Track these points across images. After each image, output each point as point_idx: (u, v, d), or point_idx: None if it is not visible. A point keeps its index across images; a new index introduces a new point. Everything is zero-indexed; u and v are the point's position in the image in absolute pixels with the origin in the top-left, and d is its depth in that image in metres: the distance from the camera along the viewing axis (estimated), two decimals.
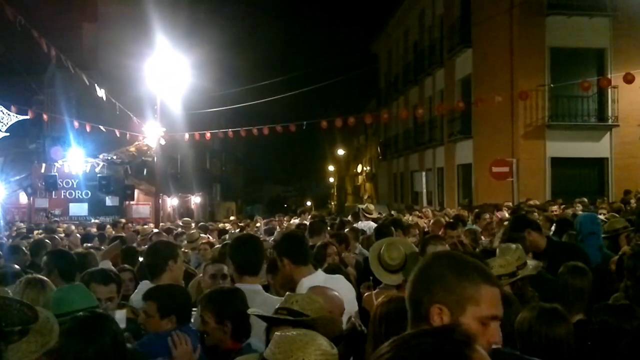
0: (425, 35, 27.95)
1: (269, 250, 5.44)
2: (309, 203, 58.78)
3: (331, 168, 61.78)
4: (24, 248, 6.91)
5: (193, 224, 13.24)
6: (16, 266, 5.03)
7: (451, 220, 8.07)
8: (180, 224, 13.38)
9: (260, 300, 3.54)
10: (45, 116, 19.07)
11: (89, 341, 2.41)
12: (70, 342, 2.40)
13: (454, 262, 1.70)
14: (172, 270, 3.95)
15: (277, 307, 2.75)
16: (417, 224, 9.41)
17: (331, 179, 63.47)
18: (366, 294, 4.22)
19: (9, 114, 17.34)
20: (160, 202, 21.44)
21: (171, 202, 31.82)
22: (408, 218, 11.49)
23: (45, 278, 3.65)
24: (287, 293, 2.88)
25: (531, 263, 4.10)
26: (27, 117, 18.04)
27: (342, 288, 3.78)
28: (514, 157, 18.66)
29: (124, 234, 9.62)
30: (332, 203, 60.81)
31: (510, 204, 13.51)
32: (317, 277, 3.79)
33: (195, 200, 37.15)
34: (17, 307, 1.87)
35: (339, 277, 4.08)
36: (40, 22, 14.10)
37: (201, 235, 9.14)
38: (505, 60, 19.25)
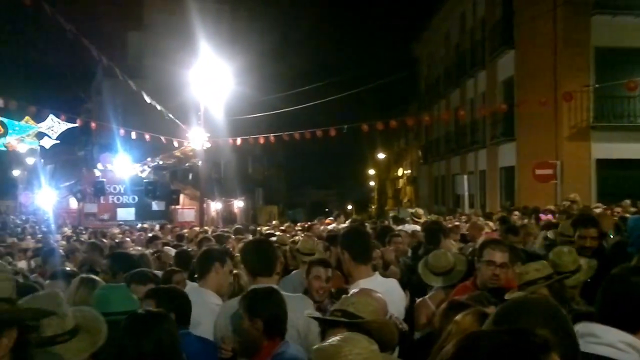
0: (467, 37, 27.68)
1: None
2: (349, 207, 58.80)
3: (372, 172, 61.63)
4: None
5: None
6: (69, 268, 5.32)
7: (512, 225, 7.99)
8: (226, 229, 13.64)
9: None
10: (93, 124, 19.71)
11: (148, 337, 2.58)
12: (130, 338, 2.57)
13: None
14: (218, 273, 4.04)
15: (332, 308, 2.79)
16: (458, 227, 9.40)
17: (372, 183, 63.28)
18: (420, 299, 4.29)
19: (59, 122, 17.98)
20: (204, 206, 21.89)
21: (215, 206, 32.37)
22: (451, 221, 11.46)
23: (97, 278, 3.86)
24: (344, 295, 2.92)
25: (586, 262, 4.12)
26: (77, 125, 18.70)
27: (395, 293, 3.86)
28: (558, 159, 18.28)
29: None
30: (373, 207, 60.62)
31: (552, 207, 13.27)
32: (375, 280, 3.82)
33: (238, 204, 37.69)
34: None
35: (393, 282, 4.12)
36: (88, 32, 14.61)
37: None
38: (548, 60, 18.90)
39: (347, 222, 14.52)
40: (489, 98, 24.13)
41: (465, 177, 21.64)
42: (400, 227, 9.63)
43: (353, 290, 3.35)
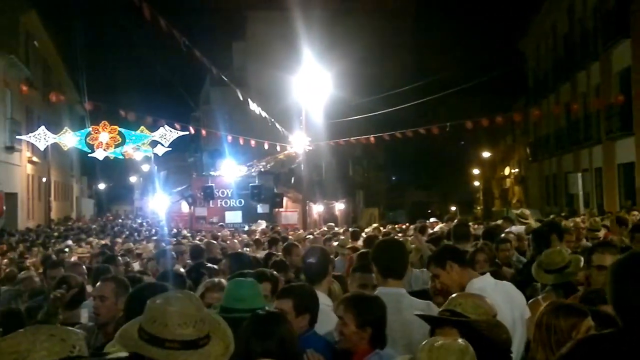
0: (576, 28, 26.16)
1: None
2: (453, 208, 57.39)
3: (476, 171, 59.84)
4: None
5: (340, 229, 13.57)
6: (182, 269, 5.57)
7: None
8: (325, 229, 13.76)
9: (407, 303, 3.55)
10: (203, 131, 20.61)
11: (271, 336, 2.65)
12: (253, 337, 2.64)
13: None
14: (329, 274, 4.20)
15: (440, 309, 2.76)
16: (576, 228, 8.83)
17: (476, 183, 61.43)
18: (532, 299, 4.13)
19: (171, 131, 18.97)
20: (307, 208, 22.23)
21: (317, 208, 32.80)
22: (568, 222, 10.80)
23: (224, 280, 4.02)
24: (451, 296, 2.86)
25: None
26: (187, 132, 19.64)
27: (513, 295, 3.74)
28: None
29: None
30: (478, 208, 58.82)
31: None
32: (487, 280, 3.74)
33: (339, 206, 37.94)
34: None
35: (509, 284, 3.97)
36: (197, 44, 15.31)
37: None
38: None
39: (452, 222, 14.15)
40: (603, 91, 22.66)
41: (579, 175, 20.47)
42: (508, 229, 9.24)
43: (469, 290, 3.30)
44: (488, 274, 3.89)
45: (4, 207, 16.22)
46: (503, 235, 7.51)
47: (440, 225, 12.72)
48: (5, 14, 24.49)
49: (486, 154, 53.23)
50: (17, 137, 24.13)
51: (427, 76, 25.37)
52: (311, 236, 11.36)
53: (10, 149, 25.51)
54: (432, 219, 15.68)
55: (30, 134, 20.40)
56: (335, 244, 8.84)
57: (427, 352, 2.09)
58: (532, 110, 28.22)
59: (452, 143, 50.26)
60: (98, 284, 4.03)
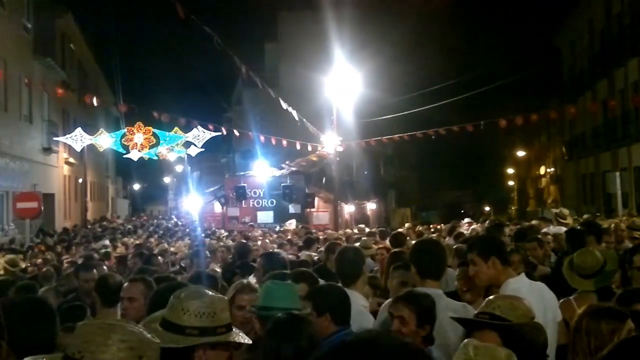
0: (614, 23, 25.52)
1: None
2: (487, 208, 56.62)
3: (510, 171, 58.91)
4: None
5: (367, 230, 13.50)
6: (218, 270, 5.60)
7: None
8: (356, 231, 13.72)
9: (444, 304, 3.52)
10: (235, 132, 20.73)
11: (289, 341, 2.63)
12: (272, 341, 2.64)
13: None
14: (364, 274, 4.23)
15: (477, 311, 2.74)
16: (616, 229, 8.57)
17: (510, 183, 60.46)
18: (563, 299, 4.02)
19: (204, 132, 19.15)
20: (338, 209, 22.20)
21: (348, 209, 32.72)
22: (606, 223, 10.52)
23: (253, 281, 4.03)
24: (487, 298, 2.82)
25: None
26: (220, 133, 19.80)
27: (546, 296, 3.68)
28: None
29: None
30: (513, 208, 57.89)
31: None
32: (523, 281, 3.69)
33: (371, 206, 37.77)
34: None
35: (542, 285, 3.89)
36: (228, 45, 15.41)
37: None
38: None
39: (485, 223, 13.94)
40: None
41: (617, 174, 19.94)
42: (545, 229, 9.04)
43: (504, 289, 3.27)
44: (523, 275, 3.83)
45: (42, 208, 16.57)
46: (538, 235, 7.35)
47: (475, 226, 12.54)
48: (42, 17, 25.08)
49: (521, 153, 52.39)
50: (54, 138, 24.70)
51: (459, 74, 25.05)
52: (342, 236, 11.30)
53: (48, 150, 26.11)
54: (466, 220, 15.46)
55: (67, 136, 20.85)
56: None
57: (471, 353, 2.07)
58: (568, 107, 27.61)
59: (486, 142, 49.59)
60: (126, 284, 4.05)
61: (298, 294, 3.31)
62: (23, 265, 9.52)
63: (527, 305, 2.75)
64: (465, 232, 10.16)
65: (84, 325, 1.77)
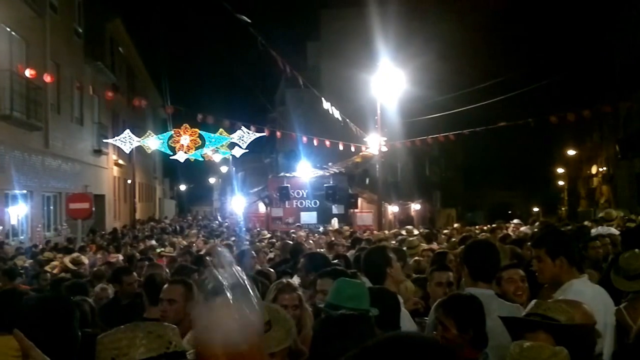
0: None
1: None
2: (535, 209, 55.22)
3: (560, 170, 57.31)
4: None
5: (415, 231, 13.30)
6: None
7: None
8: (404, 232, 13.55)
9: (497, 305, 3.49)
10: (278, 133, 20.82)
11: (342, 339, 2.56)
12: (322, 340, 2.63)
13: None
14: (392, 275, 4.17)
15: (526, 312, 2.73)
16: None
17: (560, 182, 58.81)
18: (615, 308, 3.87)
19: (248, 133, 19.31)
20: (382, 209, 22.02)
21: (392, 209, 32.45)
22: None
23: (293, 281, 4.00)
24: (535, 300, 2.78)
25: None
26: (264, 134, 19.92)
27: (606, 300, 3.59)
28: None
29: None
30: (563, 208, 56.31)
31: None
32: (587, 283, 3.61)
33: (415, 207, 37.38)
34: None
35: (602, 289, 3.77)
36: (271, 45, 15.47)
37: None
38: None
39: (535, 224, 13.57)
40: None
41: None
42: (594, 230, 8.76)
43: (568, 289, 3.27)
44: (586, 276, 3.72)
45: (93, 209, 17.02)
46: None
47: (523, 228, 12.21)
48: (92, 22, 25.79)
49: (571, 152, 50.91)
50: (104, 140, 25.35)
51: (507, 71, 24.45)
52: (392, 238, 11.20)
53: (98, 152, 26.81)
54: (515, 221, 15.08)
55: (116, 138, 21.36)
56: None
57: (516, 350, 2.12)
58: (622, 104, 26.67)
59: (535, 141, 48.44)
60: (165, 286, 4.02)
61: (367, 293, 3.26)
62: (86, 262, 9.78)
63: (587, 309, 2.69)
64: (511, 233, 9.91)
65: (104, 336, 1.80)
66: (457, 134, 18.54)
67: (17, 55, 17.98)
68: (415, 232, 13.86)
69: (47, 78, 16.44)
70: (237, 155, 21.45)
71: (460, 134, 18.91)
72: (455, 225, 17.78)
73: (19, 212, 18.23)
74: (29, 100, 17.84)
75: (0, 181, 16.42)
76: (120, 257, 10.90)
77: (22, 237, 18.09)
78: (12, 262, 10.77)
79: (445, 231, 14.15)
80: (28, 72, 15.92)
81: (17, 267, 9.78)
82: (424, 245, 8.78)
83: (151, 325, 1.83)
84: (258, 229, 20.98)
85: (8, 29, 17.33)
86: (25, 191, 18.44)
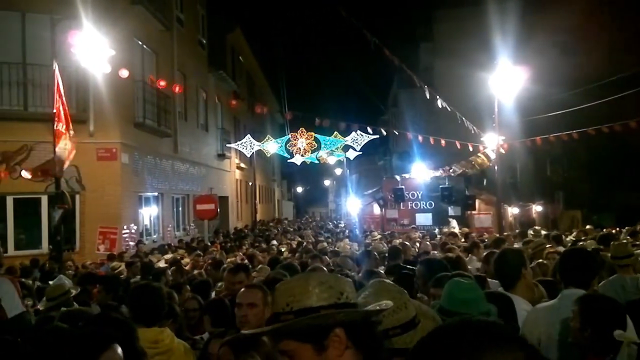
0: None
1: None
2: None
3: None
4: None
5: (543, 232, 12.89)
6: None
7: None
8: (532, 233, 13.17)
9: None
10: (395, 132, 20.80)
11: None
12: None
13: None
14: (525, 277, 4.01)
15: None
16: None
17: None
18: None
19: (362, 135, 19.51)
20: (501, 211, 21.30)
21: (512, 211, 31.30)
22: None
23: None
24: None
25: None
26: (378, 136, 20.04)
27: None
28: None
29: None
30: None
31: None
32: None
33: (537, 209, 35.74)
34: None
35: None
36: (384, 45, 15.53)
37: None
38: None
39: None
40: None
41: None
42: None
43: None
44: None
45: (219, 210, 18.05)
46: None
47: None
48: (214, 34, 27.28)
49: None
50: (227, 145, 26.72)
51: (635, 65, 22.65)
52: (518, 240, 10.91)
53: (222, 156, 28.30)
54: None
55: (238, 142, 22.44)
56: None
57: None
58: None
59: None
60: (242, 290, 3.86)
61: (481, 295, 3.12)
62: (188, 260, 10.50)
63: None
64: None
65: (281, 284, 1.92)
66: (580, 133, 17.50)
67: (148, 66, 19.41)
68: (543, 232, 13.40)
69: (176, 88, 17.48)
70: (352, 158, 21.73)
71: (585, 132, 17.86)
72: (588, 227, 16.77)
73: (151, 212, 19.68)
74: (159, 109, 19.19)
75: (135, 184, 17.62)
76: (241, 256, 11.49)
77: (154, 237, 19.50)
78: (148, 259, 11.72)
79: (571, 235, 13.46)
80: (160, 83, 16.97)
81: (152, 263, 10.65)
82: (550, 248, 8.51)
83: (324, 276, 1.92)
84: (368, 231, 21.13)
85: (140, 42, 18.72)
86: (156, 193, 19.88)
